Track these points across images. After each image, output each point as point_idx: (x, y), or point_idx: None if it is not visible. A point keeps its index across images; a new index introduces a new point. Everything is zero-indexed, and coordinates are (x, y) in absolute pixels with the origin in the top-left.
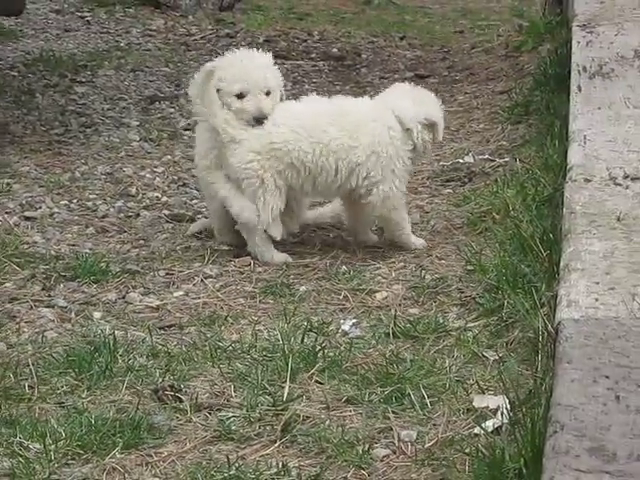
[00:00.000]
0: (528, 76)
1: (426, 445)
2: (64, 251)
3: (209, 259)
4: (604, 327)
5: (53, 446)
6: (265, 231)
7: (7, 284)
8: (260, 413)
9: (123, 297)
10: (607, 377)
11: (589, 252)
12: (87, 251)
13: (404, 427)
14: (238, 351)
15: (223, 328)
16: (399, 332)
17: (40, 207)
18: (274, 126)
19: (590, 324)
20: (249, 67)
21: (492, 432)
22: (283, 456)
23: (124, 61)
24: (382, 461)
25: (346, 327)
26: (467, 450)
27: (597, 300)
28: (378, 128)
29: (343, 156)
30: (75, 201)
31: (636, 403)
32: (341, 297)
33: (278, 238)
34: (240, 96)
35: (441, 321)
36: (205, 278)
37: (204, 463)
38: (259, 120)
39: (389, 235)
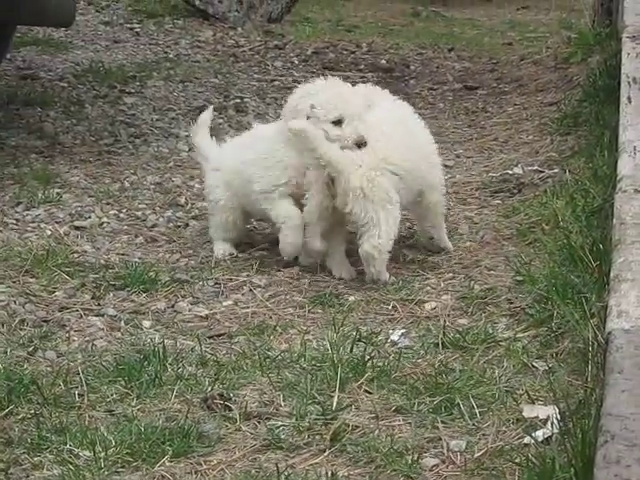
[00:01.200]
0: (577, 87)
1: (475, 455)
2: (113, 260)
3: (257, 269)
4: None
5: (103, 454)
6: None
7: (57, 293)
8: (309, 422)
9: (172, 306)
10: None
11: (639, 262)
12: (136, 260)
13: (453, 437)
14: (287, 360)
15: (272, 337)
16: (448, 342)
17: (90, 217)
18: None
19: None
20: (345, 94)
21: (542, 442)
22: (332, 465)
23: (173, 72)
24: (431, 471)
25: (395, 337)
26: (517, 460)
27: None
28: None
29: None
30: (124, 211)
31: None
32: (390, 307)
33: None
34: (337, 122)
35: (490, 331)
36: (254, 288)
37: (253, 472)
38: (360, 145)
39: None
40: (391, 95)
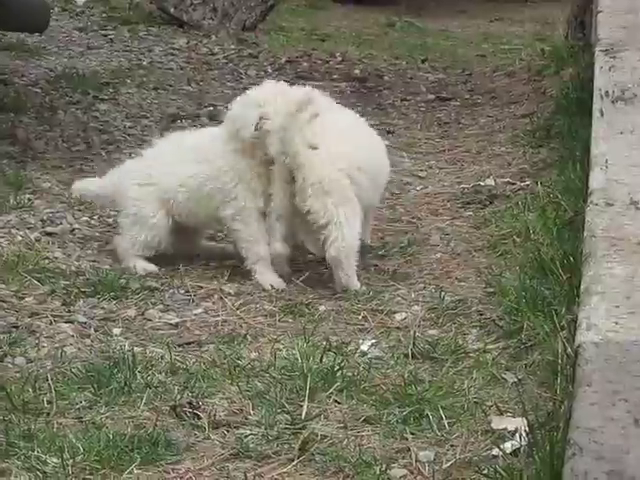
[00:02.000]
0: (550, 100)
1: (444, 466)
2: (84, 267)
3: (228, 277)
4: (624, 351)
5: (71, 461)
6: None
7: (27, 299)
8: (278, 431)
9: (142, 314)
10: (626, 400)
11: (610, 276)
12: (107, 267)
13: (422, 448)
14: (257, 369)
15: (242, 346)
16: (418, 353)
17: (61, 223)
18: None
19: (610, 347)
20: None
21: (510, 454)
22: (300, 475)
23: (146, 79)
24: None
25: (365, 347)
26: (485, 472)
27: (617, 324)
28: None
29: None
30: (96, 217)
31: None
32: (360, 317)
33: None
34: None
35: (460, 343)
36: (224, 296)
37: None
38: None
39: None
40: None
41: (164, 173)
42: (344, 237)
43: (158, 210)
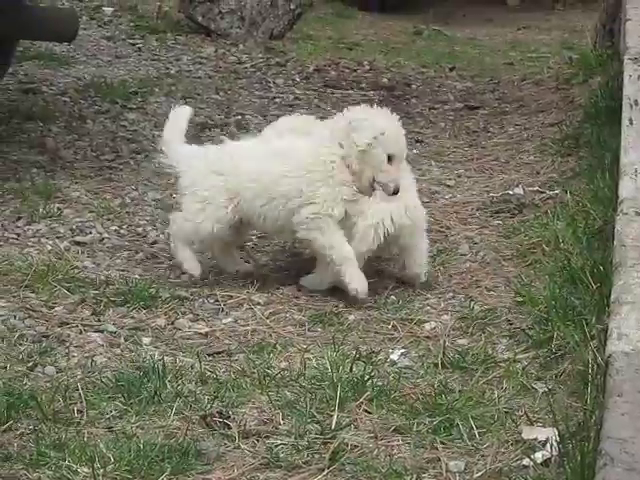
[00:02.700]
0: (579, 109)
1: (474, 476)
2: (114, 276)
3: (258, 287)
4: None
5: (101, 470)
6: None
7: (57, 308)
8: (308, 441)
9: (172, 323)
10: None
11: None
12: (137, 277)
13: (452, 457)
14: (287, 379)
15: (272, 355)
16: (447, 363)
17: (90, 232)
18: None
19: None
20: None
21: (541, 464)
22: None
23: (175, 88)
24: None
25: (395, 357)
26: None
27: None
28: None
29: None
30: (125, 227)
31: None
32: (390, 327)
33: None
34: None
35: (490, 352)
36: (254, 305)
37: None
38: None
39: None
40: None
41: (244, 164)
42: None
43: (229, 203)
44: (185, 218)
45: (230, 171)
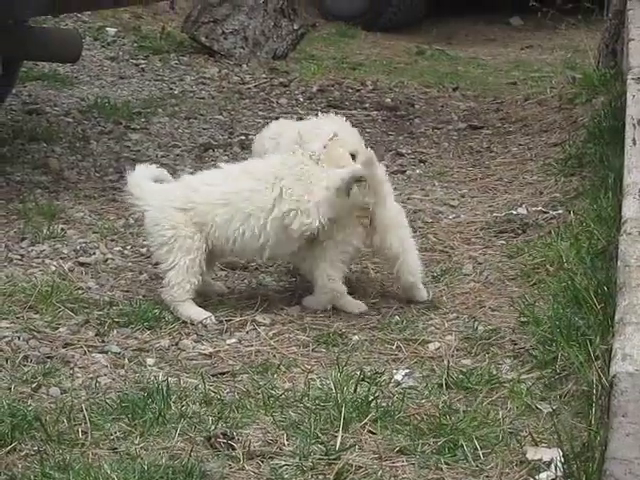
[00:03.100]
0: (582, 128)
1: None
2: (118, 297)
3: (261, 307)
4: None
5: None
6: None
7: (61, 329)
8: (312, 462)
9: (176, 344)
10: None
11: None
12: (140, 297)
13: (457, 478)
14: (291, 399)
15: (276, 376)
16: (452, 383)
17: (94, 253)
18: None
19: None
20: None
21: None
22: None
23: (178, 109)
24: None
25: (399, 377)
26: None
27: None
28: None
29: None
30: (129, 247)
31: None
32: (394, 347)
33: None
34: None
35: (494, 373)
36: (258, 326)
37: None
38: None
39: None
40: None
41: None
42: None
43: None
44: (165, 273)
45: (197, 203)
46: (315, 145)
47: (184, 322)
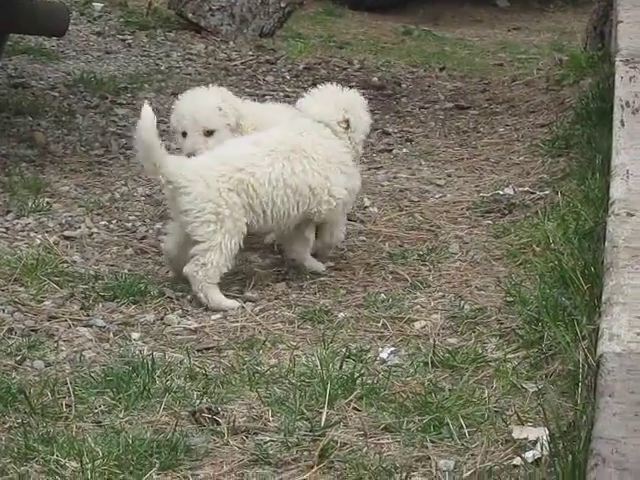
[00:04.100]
0: (569, 110)
1: (464, 475)
2: (103, 271)
3: (247, 283)
4: None
5: (90, 465)
6: None
7: (46, 302)
8: (297, 438)
9: (161, 319)
10: None
11: (631, 286)
12: (126, 272)
13: (442, 456)
14: (276, 376)
15: (261, 352)
16: (437, 361)
17: (79, 227)
18: None
19: (632, 358)
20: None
21: (532, 463)
22: None
23: (164, 84)
24: None
25: (384, 355)
26: None
27: (639, 334)
28: None
29: None
30: (114, 222)
31: None
32: (379, 325)
33: None
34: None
35: (480, 351)
36: (243, 302)
37: None
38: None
39: None
40: None
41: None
42: None
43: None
44: (203, 251)
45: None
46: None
47: (169, 297)
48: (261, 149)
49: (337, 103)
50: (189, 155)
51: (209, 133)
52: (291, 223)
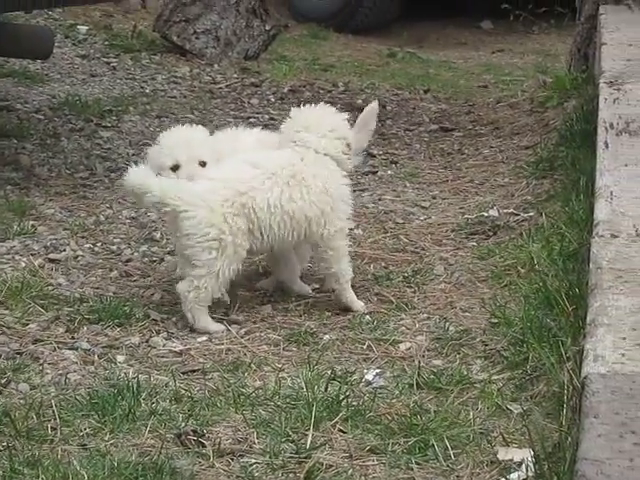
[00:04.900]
0: (553, 131)
1: None
2: (88, 294)
3: (233, 305)
4: (631, 382)
5: None
6: None
7: (31, 325)
8: (283, 460)
9: (146, 341)
10: (634, 432)
11: (616, 308)
12: (111, 294)
13: (427, 478)
14: (261, 398)
15: (246, 374)
16: (423, 383)
17: (64, 250)
18: None
19: (617, 379)
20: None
21: None
22: None
23: (149, 107)
24: None
25: (370, 377)
26: None
27: (624, 355)
28: None
29: None
30: (99, 244)
31: None
32: (365, 347)
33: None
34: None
35: (465, 373)
36: (229, 324)
37: None
38: None
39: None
40: None
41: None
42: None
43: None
44: (199, 275)
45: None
46: None
47: (154, 319)
48: (261, 171)
49: (335, 132)
50: None
51: (203, 164)
52: (286, 248)
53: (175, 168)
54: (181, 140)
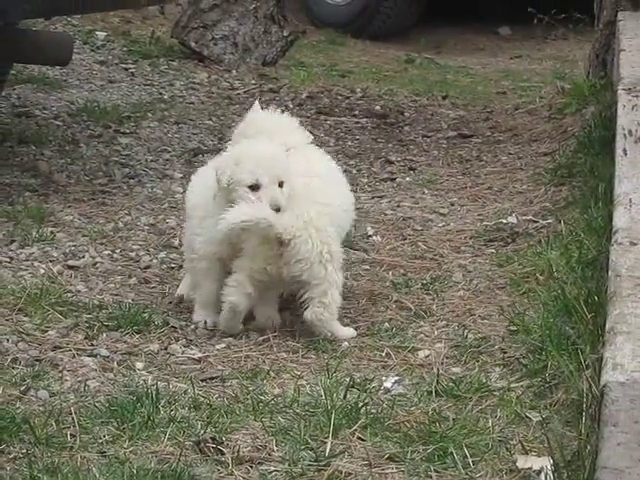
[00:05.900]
0: (572, 138)
1: None
2: (107, 301)
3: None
4: None
5: None
6: None
7: (50, 332)
8: (302, 468)
9: (165, 348)
10: None
11: (635, 315)
12: (130, 301)
13: None
14: (280, 405)
15: (265, 382)
16: (441, 391)
17: (83, 256)
18: None
19: (636, 388)
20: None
21: None
22: None
23: (168, 113)
24: None
25: (388, 384)
26: None
27: None
28: None
29: None
30: (118, 251)
31: None
32: (383, 354)
33: None
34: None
35: (484, 381)
36: (247, 331)
37: None
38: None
39: None
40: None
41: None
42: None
43: None
44: None
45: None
46: None
47: (173, 327)
48: (322, 180)
49: None
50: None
51: (281, 184)
52: None
53: (255, 188)
54: (263, 159)
